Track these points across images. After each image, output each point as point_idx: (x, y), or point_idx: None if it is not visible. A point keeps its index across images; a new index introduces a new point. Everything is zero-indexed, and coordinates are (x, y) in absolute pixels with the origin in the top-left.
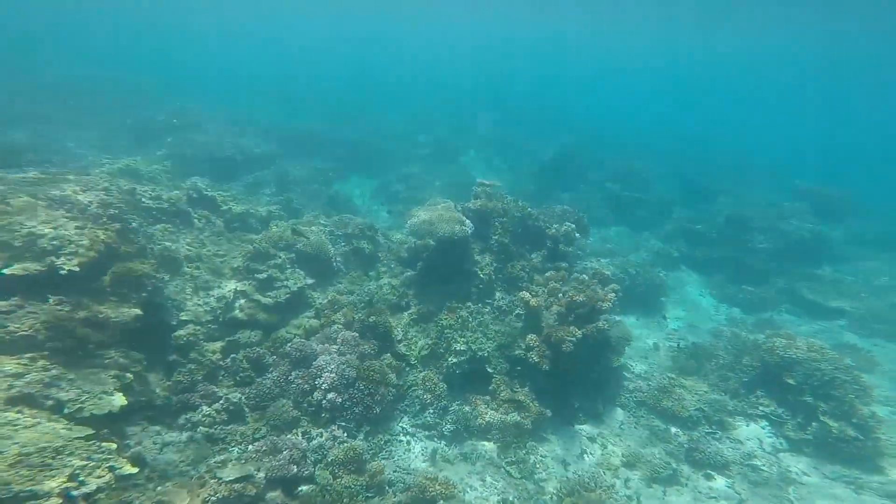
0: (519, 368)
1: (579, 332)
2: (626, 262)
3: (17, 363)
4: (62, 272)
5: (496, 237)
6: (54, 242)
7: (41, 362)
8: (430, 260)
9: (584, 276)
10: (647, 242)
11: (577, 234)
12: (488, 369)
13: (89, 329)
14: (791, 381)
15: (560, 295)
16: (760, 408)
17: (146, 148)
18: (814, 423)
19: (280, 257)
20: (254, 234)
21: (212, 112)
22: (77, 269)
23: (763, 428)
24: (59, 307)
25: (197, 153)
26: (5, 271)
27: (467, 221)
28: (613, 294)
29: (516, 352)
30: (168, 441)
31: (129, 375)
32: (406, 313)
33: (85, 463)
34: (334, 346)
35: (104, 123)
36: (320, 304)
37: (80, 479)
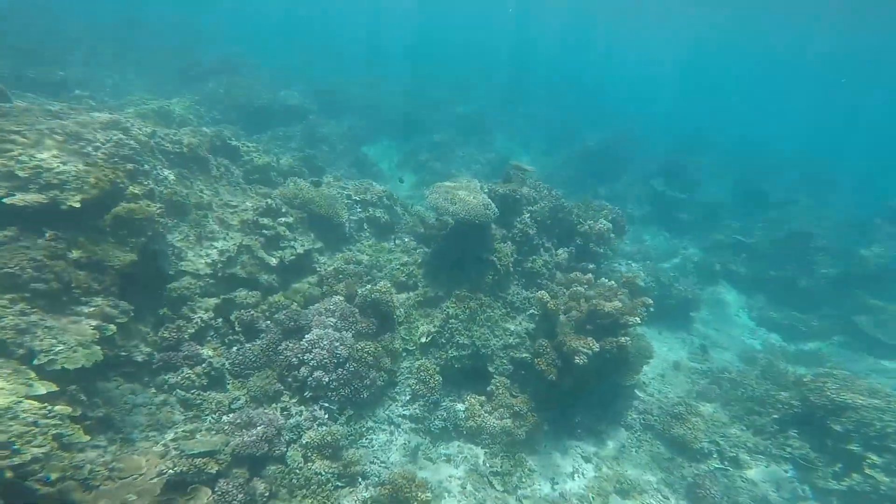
0: (522, 372)
1: (597, 345)
2: (659, 270)
3: None
4: (63, 207)
5: (521, 226)
6: (60, 177)
7: (21, 305)
8: (446, 240)
9: (612, 282)
10: (685, 250)
11: (612, 235)
12: (489, 368)
13: (79, 272)
14: (838, 428)
15: (582, 300)
16: (788, 449)
17: (190, 89)
18: (855, 475)
19: (292, 215)
20: (272, 188)
21: (262, 62)
22: (78, 205)
23: (786, 472)
24: (53, 243)
25: (234, 100)
26: (5, 200)
27: (492, 205)
28: (644, 309)
29: (522, 354)
30: (140, 402)
31: (113, 327)
32: (412, 293)
33: (27, 429)
34: (331, 320)
35: (159, 63)
36: (325, 270)
37: (16, 447)
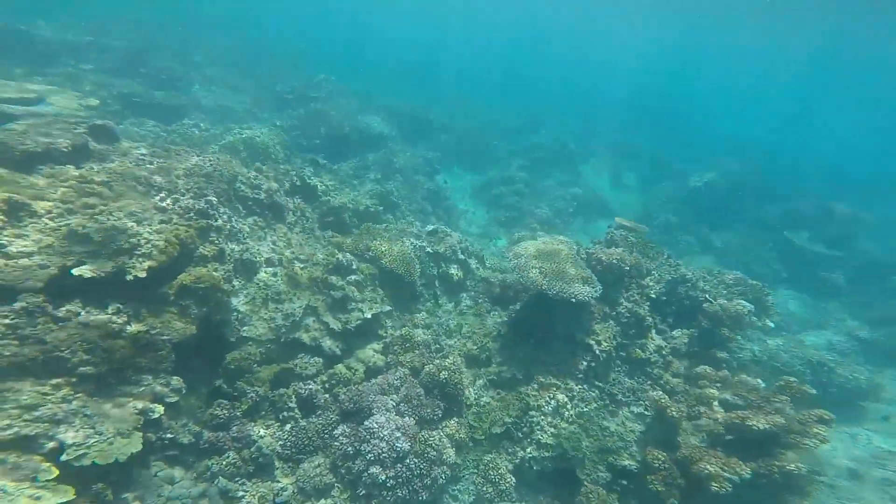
0: (624, 483)
1: (747, 468)
2: (805, 349)
3: (37, 392)
4: (128, 278)
5: (629, 304)
6: (132, 240)
7: (64, 391)
8: (529, 310)
9: (760, 381)
10: (840, 322)
11: (754, 318)
12: (579, 475)
13: (133, 349)
14: None
15: (716, 405)
16: None
17: (283, 114)
18: None
19: (362, 272)
20: (345, 232)
21: (349, 84)
22: (144, 274)
23: None
24: (114, 317)
25: (319, 127)
26: (74, 272)
27: (594, 279)
28: (824, 429)
29: (625, 461)
30: (175, 496)
31: (160, 409)
32: (483, 370)
33: None
34: (393, 399)
35: (260, 87)
36: (391, 336)
37: None
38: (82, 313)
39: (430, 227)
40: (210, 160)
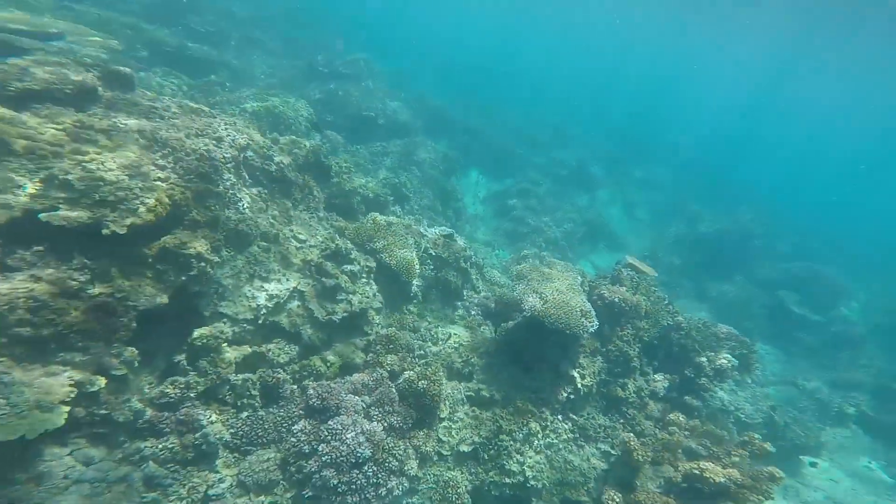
0: None
1: None
2: (768, 399)
3: None
4: (105, 231)
5: (621, 343)
6: (119, 193)
7: None
8: (519, 332)
9: (726, 433)
10: (807, 382)
11: (736, 373)
12: None
13: (88, 315)
14: None
15: (680, 453)
16: None
17: (313, 88)
18: None
19: (359, 262)
20: (351, 218)
21: (381, 68)
22: (124, 230)
23: None
24: (76, 273)
25: (346, 106)
26: (42, 216)
27: (591, 313)
28: (773, 486)
29: (581, 497)
30: (84, 478)
31: (101, 381)
32: (464, 385)
33: None
34: (364, 401)
35: (296, 56)
36: (376, 334)
37: None
38: (38, 264)
39: (436, 229)
40: (225, 122)
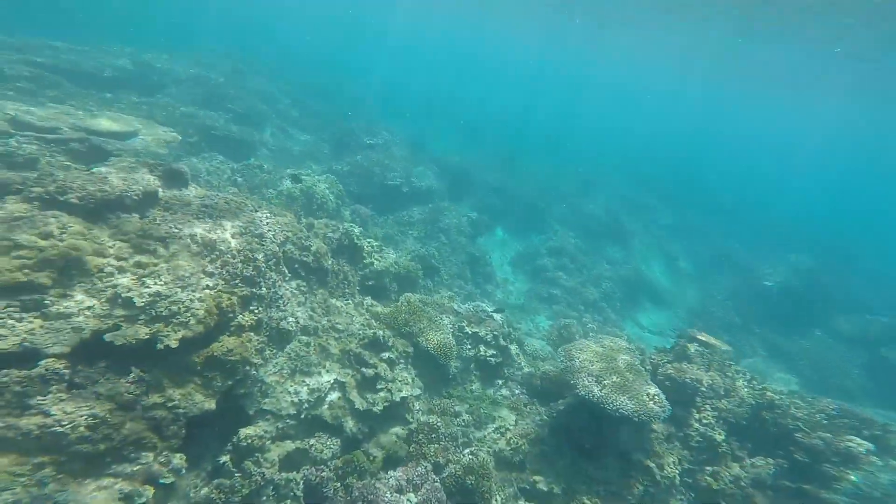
0: None
1: None
2: None
3: (12, 471)
4: (158, 346)
5: (702, 427)
6: (172, 307)
7: (45, 470)
8: (575, 416)
9: None
10: None
11: (874, 458)
12: None
13: (143, 426)
14: None
15: None
16: None
17: (341, 160)
18: None
19: (397, 348)
20: (385, 297)
21: (402, 133)
22: (176, 344)
23: None
24: (132, 387)
25: (370, 175)
26: (106, 337)
27: (662, 397)
28: None
29: None
30: None
31: (150, 492)
32: (515, 476)
33: None
34: (410, 500)
35: (324, 129)
36: (417, 421)
37: None
38: (101, 380)
39: (470, 305)
40: (266, 219)
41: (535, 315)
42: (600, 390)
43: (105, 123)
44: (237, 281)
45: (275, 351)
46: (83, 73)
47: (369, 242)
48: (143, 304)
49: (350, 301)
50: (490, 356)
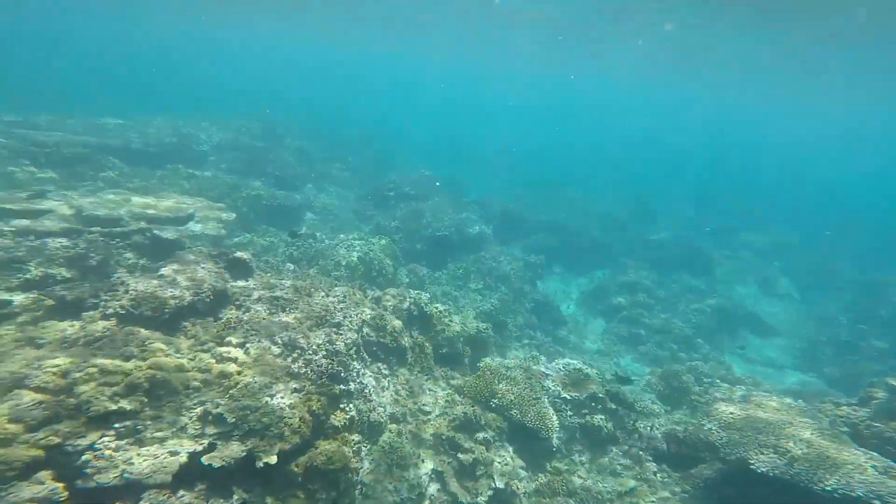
0: None
1: None
2: None
3: None
4: (258, 465)
5: None
6: (264, 419)
7: None
8: (729, 484)
9: None
10: None
11: None
12: None
13: None
14: None
15: None
16: None
17: (385, 212)
18: None
19: (489, 428)
20: (459, 363)
21: (442, 178)
22: (274, 460)
23: None
24: None
25: (418, 229)
26: (203, 460)
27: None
28: None
29: None
30: None
31: None
32: None
33: None
34: None
35: (359, 184)
36: None
37: None
38: None
39: (560, 364)
40: (339, 304)
41: (619, 358)
42: (791, 466)
43: (164, 204)
44: (324, 379)
45: (368, 446)
46: (130, 150)
47: (437, 308)
48: (234, 419)
49: (430, 375)
50: (598, 422)
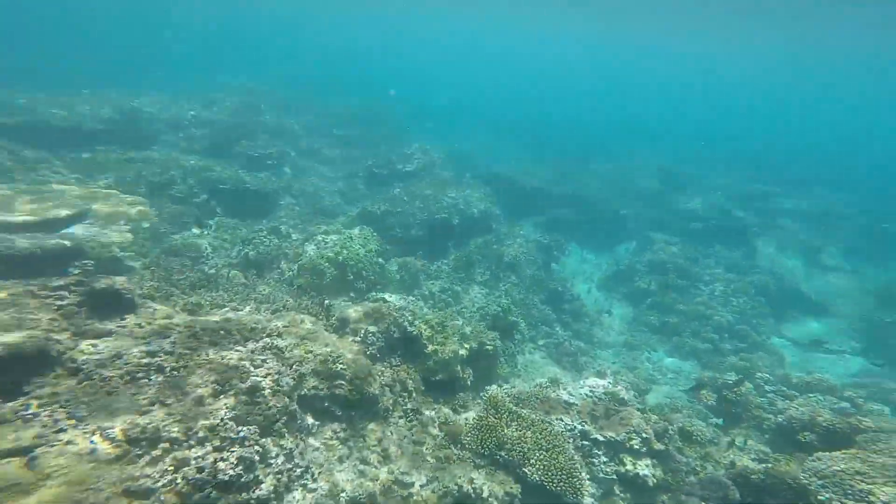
0: None
1: None
2: None
3: None
4: None
5: None
6: None
7: None
8: None
9: None
10: None
11: None
12: None
13: None
14: None
15: None
16: None
17: (375, 194)
18: None
19: (496, 499)
20: (461, 391)
21: (441, 150)
22: None
23: None
24: None
25: (413, 212)
26: None
27: None
28: None
29: None
30: None
31: None
32: None
33: None
34: None
35: (353, 161)
36: None
37: None
38: None
39: (588, 386)
40: (265, 350)
41: (651, 352)
42: None
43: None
44: (209, 489)
45: None
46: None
47: (425, 323)
48: None
49: (414, 419)
50: (642, 470)
